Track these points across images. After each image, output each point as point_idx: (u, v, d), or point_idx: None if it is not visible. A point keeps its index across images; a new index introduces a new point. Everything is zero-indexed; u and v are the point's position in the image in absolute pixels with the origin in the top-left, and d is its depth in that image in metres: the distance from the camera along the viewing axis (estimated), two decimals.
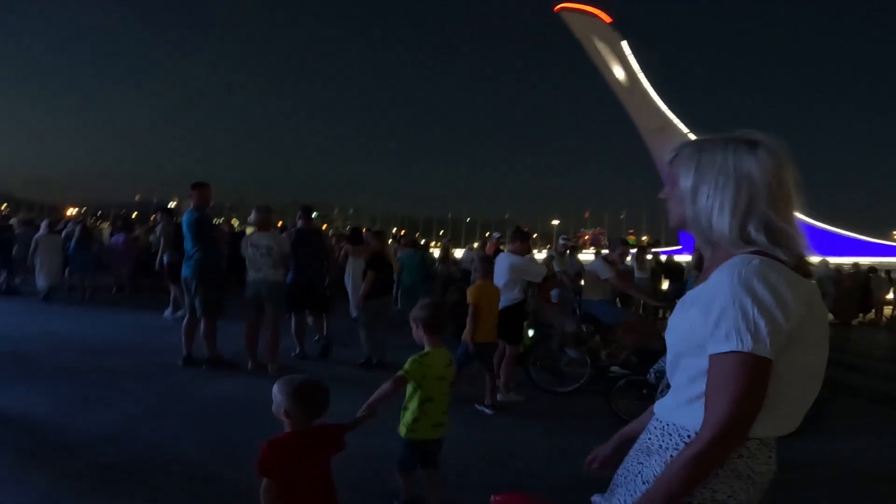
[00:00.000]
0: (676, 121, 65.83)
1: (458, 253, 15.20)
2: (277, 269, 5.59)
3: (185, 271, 5.57)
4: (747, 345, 0.97)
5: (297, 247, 6.00)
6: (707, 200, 1.10)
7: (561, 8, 74.17)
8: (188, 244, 5.54)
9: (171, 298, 8.29)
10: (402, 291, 9.40)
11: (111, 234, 12.30)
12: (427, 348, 2.70)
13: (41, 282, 10.06)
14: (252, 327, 5.63)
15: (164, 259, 7.98)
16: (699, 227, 1.13)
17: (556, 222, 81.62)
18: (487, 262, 4.91)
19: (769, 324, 0.97)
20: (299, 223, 6.39)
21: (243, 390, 4.88)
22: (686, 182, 1.14)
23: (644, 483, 1.13)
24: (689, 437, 1.07)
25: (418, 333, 2.73)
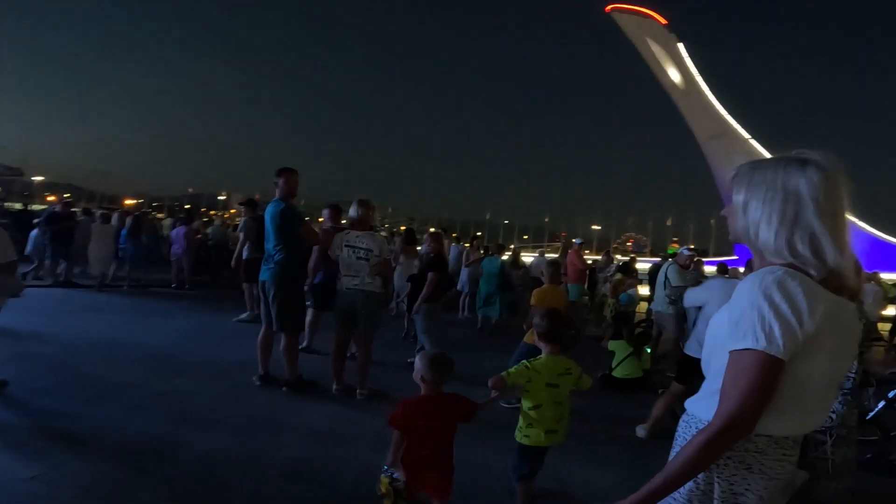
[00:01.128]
0: (737, 126, 62.34)
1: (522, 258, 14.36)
2: (375, 277, 4.61)
3: (264, 274, 4.69)
4: (761, 344, 1.06)
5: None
6: (756, 213, 1.17)
7: (612, 8, 71.65)
8: (270, 241, 4.66)
9: (246, 299, 7.48)
10: (480, 299, 8.58)
11: (173, 226, 11.88)
12: (542, 354, 2.76)
13: (93, 271, 9.86)
14: (340, 345, 4.71)
15: (244, 254, 7.18)
16: (749, 238, 1.20)
17: (596, 227, 78.97)
18: (556, 268, 4.81)
19: (783, 327, 1.05)
20: (327, 223, 5.33)
21: (333, 422, 4.02)
22: (738, 197, 1.21)
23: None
24: (698, 425, 1.20)
25: (537, 340, 2.81)
